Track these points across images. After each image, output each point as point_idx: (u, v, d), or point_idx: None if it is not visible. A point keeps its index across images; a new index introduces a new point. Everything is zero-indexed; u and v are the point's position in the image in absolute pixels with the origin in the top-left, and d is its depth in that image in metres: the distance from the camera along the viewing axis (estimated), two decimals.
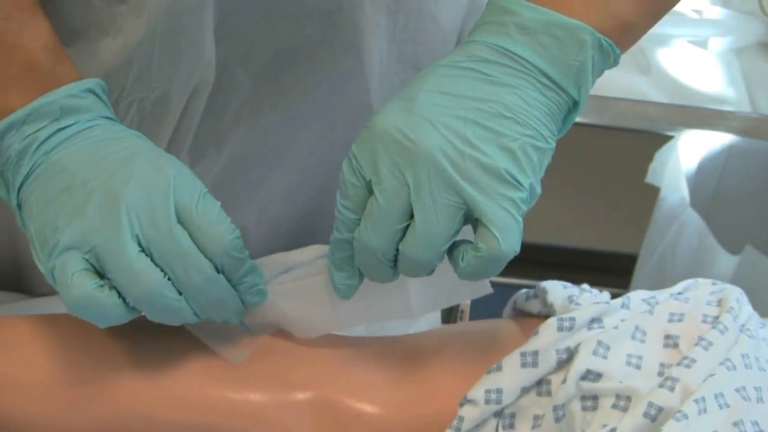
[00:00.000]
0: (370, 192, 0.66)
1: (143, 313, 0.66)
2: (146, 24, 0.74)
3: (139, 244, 0.64)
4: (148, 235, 0.64)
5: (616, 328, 0.73)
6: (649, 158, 1.60)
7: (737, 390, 0.69)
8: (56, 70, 0.68)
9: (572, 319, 0.72)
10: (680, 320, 0.74)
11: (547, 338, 0.71)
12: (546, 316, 0.75)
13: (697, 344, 0.71)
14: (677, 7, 0.75)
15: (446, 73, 0.66)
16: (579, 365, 0.70)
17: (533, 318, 0.78)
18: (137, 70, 0.77)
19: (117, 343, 0.72)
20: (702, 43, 1.53)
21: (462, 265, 0.65)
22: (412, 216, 0.65)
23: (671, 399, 0.68)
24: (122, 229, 0.64)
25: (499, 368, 0.71)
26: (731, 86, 1.46)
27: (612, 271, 1.84)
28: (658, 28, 0.74)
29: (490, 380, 0.71)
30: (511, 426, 0.71)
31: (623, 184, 1.87)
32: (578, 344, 0.71)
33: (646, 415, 0.67)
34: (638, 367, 0.71)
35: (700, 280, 0.79)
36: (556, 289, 0.77)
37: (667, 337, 0.73)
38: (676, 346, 0.72)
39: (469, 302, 0.95)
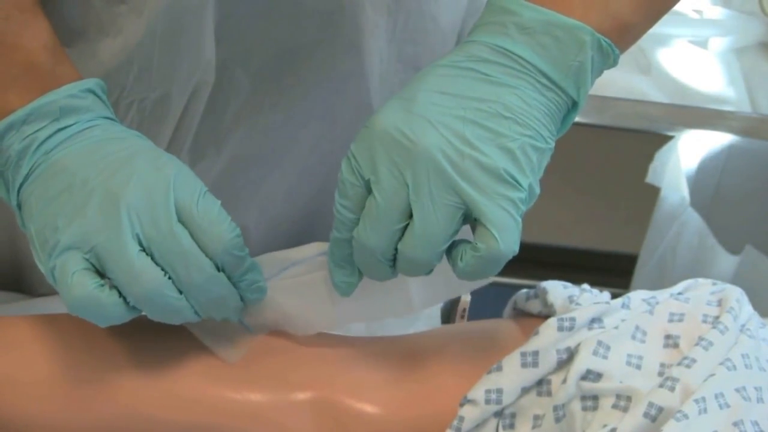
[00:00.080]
0: (369, 191, 0.66)
1: (144, 313, 0.66)
2: (146, 24, 0.75)
3: (140, 244, 0.64)
4: (148, 235, 0.64)
5: (616, 328, 0.73)
6: (650, 158, 1.59)
7: (737, 390, 0.69)
8: (56, 70, 0.68)
9: (572, 319, 0.72)
10: (680, 320, 0.74)
11: (547, 338, 0.72)
12: (546, 316, 0.75)
13: (697, 344, 0.71)
14: (677, 7, 0.75)
15: (446, 73, 0.66)
16: (579, 365, 0.70)
17: (533, 318, 0.78)
18: (137, 70, 0.77)
19: (117, 343, 0.72)
20: (702, 43, 1.53)
21: (461, 265, 0.65)
22: (411, 216, 0.65)
23: (671, 399, 0.68)
24: (122, 229, 0.64)
25: (499, 368, 0.71)
26: (731, 86, 1.46)
27: (612, 271, 1.84)
28: (658, 28, 0.74)
29: (490, 380, 0.71)
30: (512, 426, 0.71)
31: (623, 184, 1.87)
32: (578, 344, 0.71)
33: (646, 415, 0.67)
34: (638, 367, 0.71)
35: (701, 280, 0.79)
36: (556, 289, 0.77)
37: (668, 337, 0.73)
38: (676, 346, 0.72)
39: (469, 302, 0.95)
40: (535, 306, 0.79)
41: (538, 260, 1.98)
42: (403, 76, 0.86)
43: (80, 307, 0.64)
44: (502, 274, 0.67)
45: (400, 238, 0.66)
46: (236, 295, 0.68)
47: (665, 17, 0.72)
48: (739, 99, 1.44)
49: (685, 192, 1.59)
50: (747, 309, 0.75)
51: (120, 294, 0.64)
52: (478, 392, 0.71)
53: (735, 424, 0.67)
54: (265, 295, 0.70)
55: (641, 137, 1.57)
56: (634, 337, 0.72)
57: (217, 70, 0.79)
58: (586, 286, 0.79)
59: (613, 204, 2.03)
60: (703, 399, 0.67)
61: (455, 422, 0.70)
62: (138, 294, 0.64)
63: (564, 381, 0.70)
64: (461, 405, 0.71)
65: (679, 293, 0.77)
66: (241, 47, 0.79)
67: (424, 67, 0.68)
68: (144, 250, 0.64)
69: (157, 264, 0.64)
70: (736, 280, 1.57)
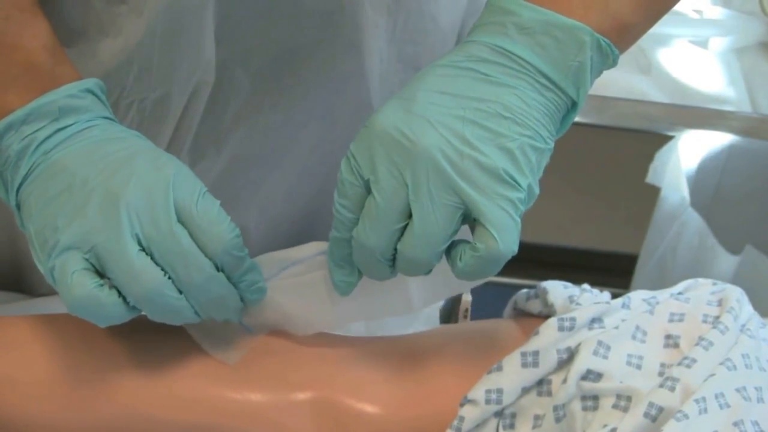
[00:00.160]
0: (369, 191, 0.66)
1: (143, 313, 0.66)
2: (146, 24, 0.75)
3: (140, 244, 0.64)
4: (148, 235, 0.64)
5: (616, 328, 0.73)
6: (650, 158, 1.59)
7: (738, 390, 0.69)
8: (55, 70, 0.68)
9: (573, 319, 0.72)
10: (681, 320, 0.74)
11: (547, 338, 0.72)
12: (546, 316, 0.75)
13: (697, 344, 0.71)
14: (677, 7, 0.75)
15: (445, 73, 0.66)
16: (579, 365, 0.70)
17: (534, 318, 0.78)
18: (137, 70, 0.77)
19: (117, 343, 0.72)
20: (702, 43, 1.53)
21: (460, 265, 0.65)
22: (410, 216, 0.65)
23: (672, 399, 0.68)
24: (122, 229, 0.64)
25: (499, 368, 0.71)
26: (732, 86, 1.46)
27: (612, 271, 1.84)
28: (658, 28, 0.74)
29: (490, 380, 0.71)
30: (512, 426, 0.71)
31: (623, 184, 1.87)
32: (579, 344, 0.71)
33: (646, 415, 0.67)
34: (639, 367, 0.71)
35: (701, 280, 0.79)
36: (556, 289, 0.77)
37: (668, 337, 0.73)
38: (676, 346, 0.72)
39: (470, 302, 0.95)
40: (535, 306, 0.79)
41: (538, 260, 1.98)
42: (403, 76, 0.86)
43: (80, 307, 0.64)
44: (502, 274, 0.67)
45: (399, 238, 0.66)
46: (236, 296, 0.68)
47: (665, 17, 0.72)
48: (739, 99, 1.44)
49: (685, 192, 1.59)
50: (747, 309, 0.75)
51: (120, 294, 0.64)
52: (478, 392, 0.71)
53: (735, 424, 0.67)
54: (264, 296, 0.70)
55: (641, 137, 1.58)
56: (634, 337, 0.72)
57: (217, 70, 0.79)
58: (586, 286, 0.79)
59: (613, 204, 2.03)
60: (704, 399, 0.67)
61: (455, 422, 0.70)
62: (138, 294, 0.64)
63: (564, 381, 0.70)
64: (461, 405, 0.71)
65: (680, 293, 0.77)
66: (241, 47, 0.79)
67: (424, 67, 0.68)
68: (144, 250, 0.64)
69: (156, 264, 0.64)
70: (736, 280, 1.56)
